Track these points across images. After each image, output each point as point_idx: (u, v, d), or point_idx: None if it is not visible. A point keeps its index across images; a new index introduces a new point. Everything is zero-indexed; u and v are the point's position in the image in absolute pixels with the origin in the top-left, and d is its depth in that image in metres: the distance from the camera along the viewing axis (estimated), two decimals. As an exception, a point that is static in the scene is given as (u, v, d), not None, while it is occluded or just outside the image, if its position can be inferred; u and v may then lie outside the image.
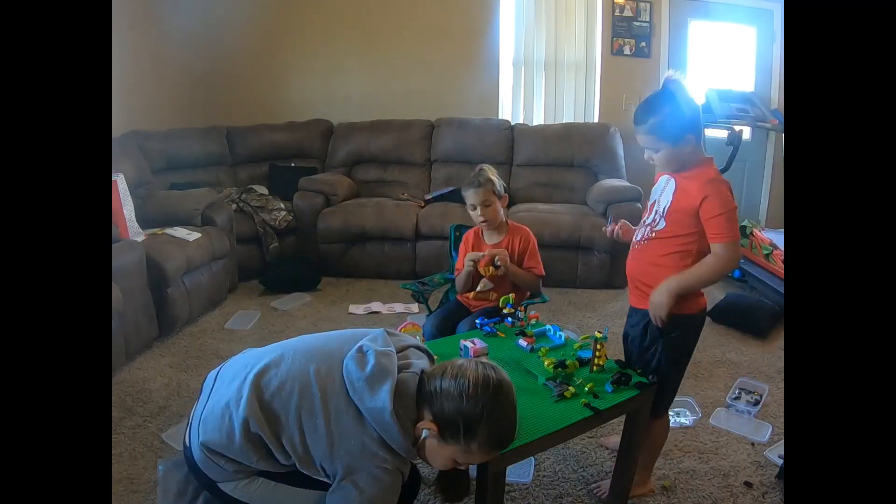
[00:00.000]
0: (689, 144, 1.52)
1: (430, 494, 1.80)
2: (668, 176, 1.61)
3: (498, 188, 2.21)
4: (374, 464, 1.14)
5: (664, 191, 1.60)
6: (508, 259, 2.14)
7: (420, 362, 1.26)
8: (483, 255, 2.13)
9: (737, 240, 1.50)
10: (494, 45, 4.68)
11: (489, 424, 1.13)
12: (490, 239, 2.29)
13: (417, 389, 1.19)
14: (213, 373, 1.35)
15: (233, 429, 1.17)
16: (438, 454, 1.19)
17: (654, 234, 1.60)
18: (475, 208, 2.20)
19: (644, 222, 1.66)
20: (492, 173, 2.23)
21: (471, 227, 2.41)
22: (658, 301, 1.53)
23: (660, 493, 1.83)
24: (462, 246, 2.34)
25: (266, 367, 1.22)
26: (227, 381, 1.26)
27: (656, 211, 1.61)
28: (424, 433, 1.16)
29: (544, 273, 2.29)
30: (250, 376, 1.20)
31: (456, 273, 2.30)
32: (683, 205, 1.53)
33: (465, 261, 2.18)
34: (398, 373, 1.19)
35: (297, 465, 1.19)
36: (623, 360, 1.65)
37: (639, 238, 1.66)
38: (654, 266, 1.60)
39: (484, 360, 1.25)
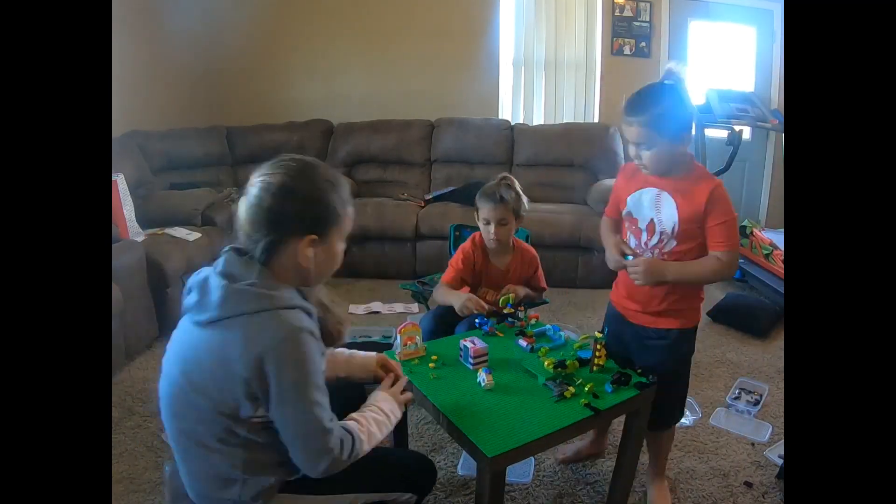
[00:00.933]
0: (686, 144, 1.43)
1: (429, 494, 1.80)
2: (656, 189, 1.48)
3: (519, 208, 2.02)
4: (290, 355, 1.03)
5: (662, 209, 1.47)
6: (520, 293, 2.03)
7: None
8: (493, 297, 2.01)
9: (738, 248, 1.47)
10: (494, 45, 4.68)
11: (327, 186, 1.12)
12: (497, 260, 2.12)
13: (241, 255, 1.12)
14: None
15: (200, 463, 1.13)
16: (334, 256, 1.17)
17: (665, 256, 1.51)
18: (489, 223, 2.01)
19: (643, 245, 1.55)
20: (517, 188, 2.03)
21: (470, 227, 2.37)
22: (652, 278, 1.48)
23: (682, 492, 1.83)
24: (460, 254, 2.12)
25: (166, 396, 1.19)
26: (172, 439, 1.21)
27: (661, 232, 1.49)
28: (310, 253, 1.10)
29: (545, 287, 2.24)
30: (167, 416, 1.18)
31: (447, 280, 2.11)
32: (690, 215, 1.43)
33: (471, 305, 1.92)
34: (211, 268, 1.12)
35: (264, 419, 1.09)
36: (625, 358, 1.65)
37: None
38: (673, 286, 1.53)
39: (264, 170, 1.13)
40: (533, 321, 1.92)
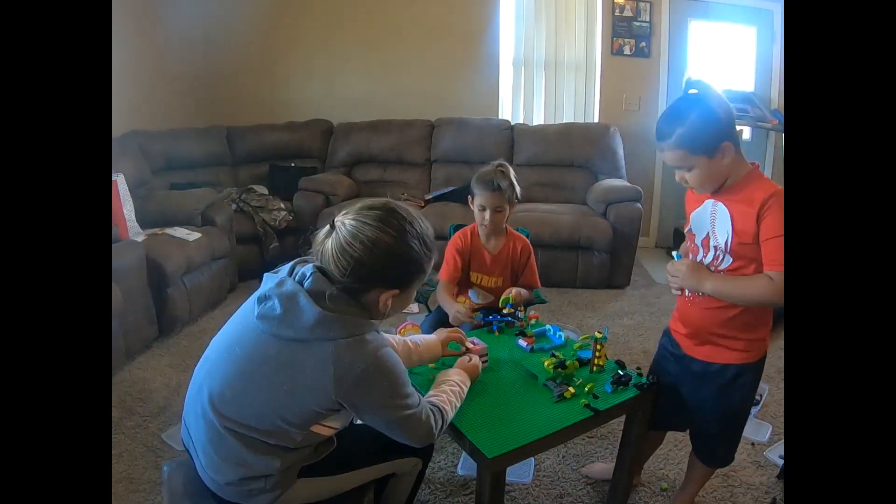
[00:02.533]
0: (728, 154, 1.27)
1: (429, 494, 1.80)
2: (712, 200, 1.36)
3: (513, 195, 2.07)
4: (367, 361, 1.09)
5: (716, 221, 1.34)
6: (520, 296, 2.03)
7: (306, 267, 1.19)
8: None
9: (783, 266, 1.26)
10: (494, 45, 4.68)
11: (414, 245, 1.16)
12: (489, 245, 2.17)
13: (326, 276, 1.15)
14: (184, 415, 1.27)
15: (236, 456, 1.14)
16: (408, 300, 1.23)
17: (722, 274, 1.36)
18: (484, 209, 2.06)
19: (702, 262, 1.41)
20: (512, 177, 2.07)
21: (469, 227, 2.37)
22: (689, 282, 1.37)
23: (658, 494, 1.83)
24: (453, 248, 2.17)
25: (211, 388, 1.16)
26: (192, 419, 1.22)
27: (715, 247, 1.35)
28: (390, 303, 1.17)
29: (538, 282, 2.24)
30: (206, 405, 1.16)
31: (444, 277, 2.14)
32: (745, 226, 1.28)
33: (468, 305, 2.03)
34: (302, 286, 1.13)
35: (306, 432, 1.15)
36: (622, 360, 1.64)
37: (687, 293, 1.44)
38: (730, 309, 1.37)
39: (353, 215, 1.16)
40: (533, 321, 1.92)
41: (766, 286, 1.26)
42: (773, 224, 1.24)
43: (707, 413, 1.50)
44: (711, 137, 1.26)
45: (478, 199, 2.07)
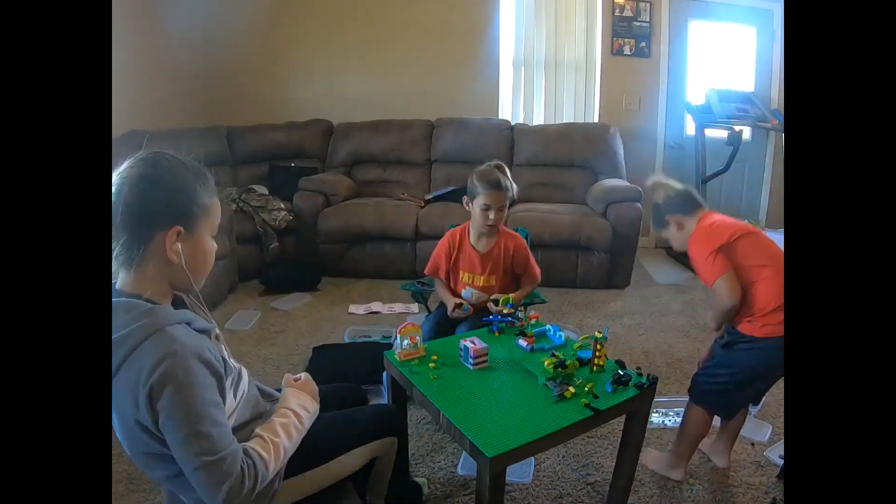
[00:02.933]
0: (672, 226, 1.84)
1: (429, 494, 1.80)
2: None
3: (512, 193, 2.13)
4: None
5: None
6: (514, 298, 2.05)
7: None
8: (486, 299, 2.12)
9: (720, 277, 1.67)
10: (494, 45, 4.68)
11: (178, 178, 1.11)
12: (479, 245, 2.19)
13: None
14: None
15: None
16: (205, 252, 1.10)
17: None
18: (489, 209, 2.09)
19: None
20: (508, 174, 2.14)
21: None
22: (717, 325, 1.80)
23: (681, 492, 1.84)
24: (441, 248, 2.24)
25: None
26: None
27: None
28: (178, 248, 1.02)
29: (539, 272, 2.27)
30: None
31: (430, 273, 2.29)
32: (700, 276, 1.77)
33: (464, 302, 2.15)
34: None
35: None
36: (622, 360, 1.64)
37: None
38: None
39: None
40: (533, 321, 1.92)
41: (714, 301, 1.74)
42: (694, 256, 1.76)
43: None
44: (658, 219, 1.91)
45: (482, 199, 2.09)
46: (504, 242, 2.20)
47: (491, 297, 2.04)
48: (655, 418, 2.23)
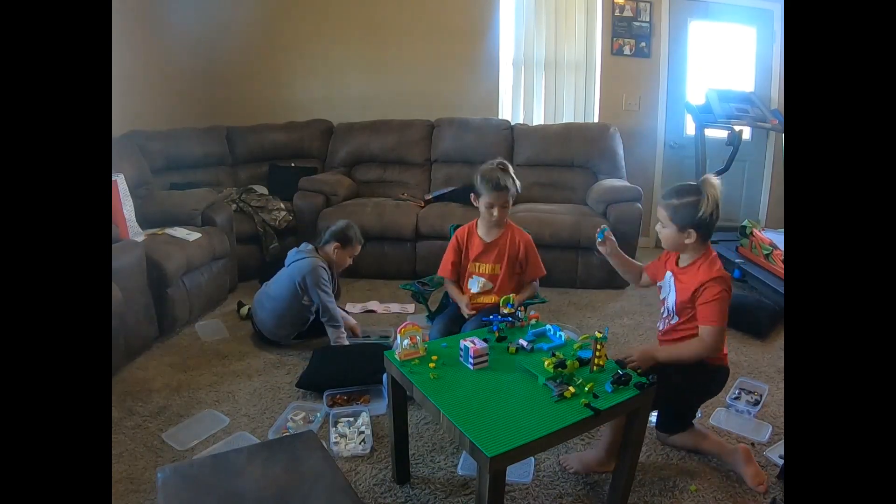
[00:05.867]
0: (691, 239, 1.74)
1: (429, 494, 1.80)
2: (670, 273, 1.85)
3: (515, 190, 2.24)
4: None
5: (669, 289, 1.84)
6: (519, 299, 2.16)
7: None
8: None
9: (721, 326, 1.69)
10: (494, 45, 4.68)
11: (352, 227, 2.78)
12: (487, 236, 2.32)
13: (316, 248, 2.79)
14: None
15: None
16: (343, 257, 2.83)
17: (672, 326, 1.84)
18: (492, 207, 2.23)
19: (661, 316, 1.91)
20: (512, 172, 2.25)
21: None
22: (644, 360, 1.71)
23: (680, 492, 1.83)
24: (451, 246, 2.38)
25: None
26: None
27: (667, 308, 1.86)
28: (336, 252, 2.76)
29: (544, 271, 2.38)
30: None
31: (442, 273, 2.41)
32: (684, 298, 1.76)
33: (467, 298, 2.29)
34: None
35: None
36: (622, 360, 1.64)
37: (661, 328, 1.91)
38: (675, 340, 1.84)
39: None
40: (533, 321, 1.92)
41: (697, 345, 1.73)
42: (706, 296, 1.70)
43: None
44: (686, 220, 1.72)
45: (485, 199, 2.24)
46: (512, 235, 2.33)
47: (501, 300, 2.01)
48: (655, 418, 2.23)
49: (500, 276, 2.28)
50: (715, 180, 1.70)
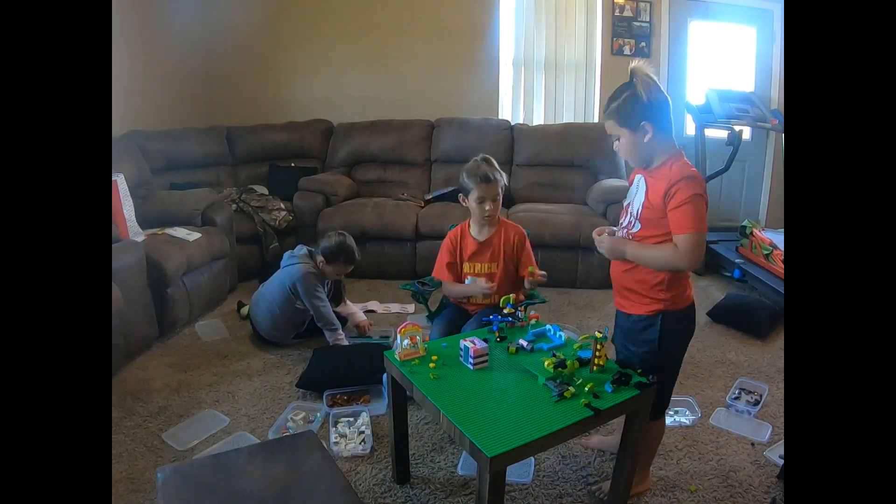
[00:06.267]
0: (647, 133, 1.51)
1: (429, 494, 1.80)
2: (640, 175, 1.61)
3: (503, 182, 2.22)
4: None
5: (637, 192, 1.60)
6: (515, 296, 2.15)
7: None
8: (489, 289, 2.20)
9: (699, 233, 1.46)
10: (494, 45, 4.68)
11: (343, 248, 2.76)
12: (480, 235, 2.28)
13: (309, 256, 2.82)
14: None
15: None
16: (330, 272, 2.79)
17: (630, 237, 1.60)
18: (484, 201, 2.18)
19: (621, 225, 1.67)
20: (496, 165, 2.23)
21: None
22: (611, 253, 1.61)
23: (681, 492, 1.83)
24: (444, 249, 2.33)
25: None
26: None
27: (630, 213, 1.62)
28: (322, 265, 2.76)
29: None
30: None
31: (438, 276, 2.36)
32: (653, 203, 1.52)
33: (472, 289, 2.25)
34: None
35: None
36: (622, 360, 1.64)
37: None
38: (632, 269, 1.61)
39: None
40: (533, 321, 1.92)
41: (671, 252, 1.50)
42: (679, 198, 1.46)
43: (633, 365, 1.62)
44: (634, 115, 1.52)
45: (476, 193, 2.19)
46: (505, 232, 2.28)
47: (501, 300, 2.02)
48: (669, 419, 2.23)
49: (497, 274, 2.26)
50: (639, 62, 1.55)
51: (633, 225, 1.59)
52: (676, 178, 1.47)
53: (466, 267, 2.30)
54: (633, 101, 1.51)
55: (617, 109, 1.55)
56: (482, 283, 2.22)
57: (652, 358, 1.61)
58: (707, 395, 2.42)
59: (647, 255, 1.55)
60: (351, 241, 2.81)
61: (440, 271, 2.34)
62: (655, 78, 1.52)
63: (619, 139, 1.57)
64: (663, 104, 1.52)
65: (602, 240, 1.63)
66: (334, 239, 2.79)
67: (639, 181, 1.60)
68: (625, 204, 1.67)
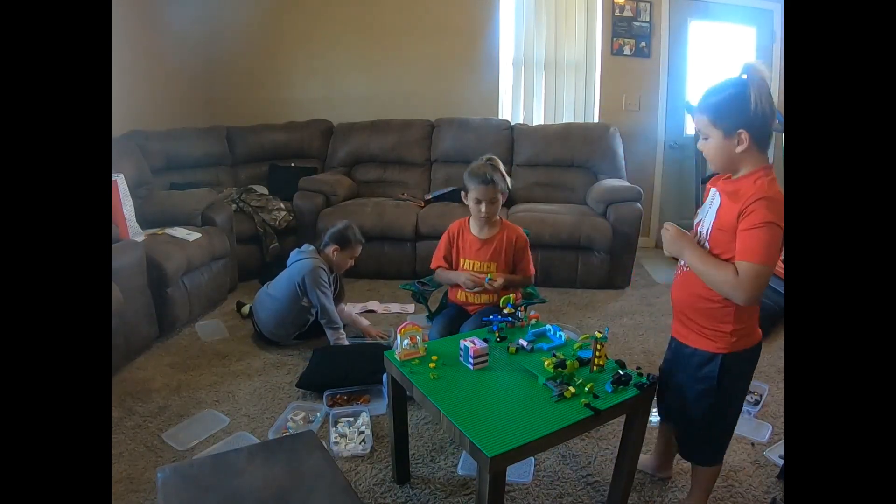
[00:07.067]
0: (743, 143, 1.32)
1: (429, 494, 1.80)
2: (715, 190, 1.44)
3: (504, 186, 2.23)
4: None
5: (709, 210, 1.43)
6: (504, 280, 2.24)
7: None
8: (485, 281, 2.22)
9: (766, 266, 1.28)
10: (494, 45, 4.68)
11: (350, 227, 2.87)
12: (481, 234, 2.31)
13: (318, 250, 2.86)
14: None
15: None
16: (344, 259, 2.87)
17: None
18: (480, 202, 2.21)
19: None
20: (501, 168, 2.24)
21: None
22: (670, 245, 1.46)
23: (681, 492, 1.83)
24: (444, 237, 2.37)
25: None
26: None
27: (700, 233, 1.45)
28: (335, 254, 2.83)
29: (533, 272, 2.38)
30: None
31: (437, 266, 2.39)
32: (725, 223, 1.35)
33: (464, 282, 2.25)
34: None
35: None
36: (622, 360, 1.64)
37: (682, 263, 1.49)
38: (698, 297, 1.43)
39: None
40: (533, 321, 1.92)
41: (730, 276, 1.32)
42: (753, 220, 1.29)
43: (684, 401, 1.54)
44: (733, 118, 1.32)
45: (473, 194, 2.23)
46: (506, 233, 2.31)
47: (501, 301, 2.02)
48: (655, 418, 2.23)
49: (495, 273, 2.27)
50: (761, 64, 1.31)
51: (703, 244, 1.43)
52: (758, 195, 1.28)
53: (465, 263, 2.32)
54: (737, 104, 1.31)
55: (716, 106, 1.35)
56: (465, 278, 2.24)
57: (708, 398, 1.47)
58: (707, 395, 2.42)
59: (705, 267, 1.37)
60: (353, 223, 2.96)
61: (437, 260, 2.39)
62: (769, 85, 1.32)
63: (706, 138, 1.39)
64: (769, 117, 1.32)
65: (668, 226, 1.47)
66: (338, 224, 2.89)
67: (713, 197, 1.42)
68: (695, 222, 1.50)
